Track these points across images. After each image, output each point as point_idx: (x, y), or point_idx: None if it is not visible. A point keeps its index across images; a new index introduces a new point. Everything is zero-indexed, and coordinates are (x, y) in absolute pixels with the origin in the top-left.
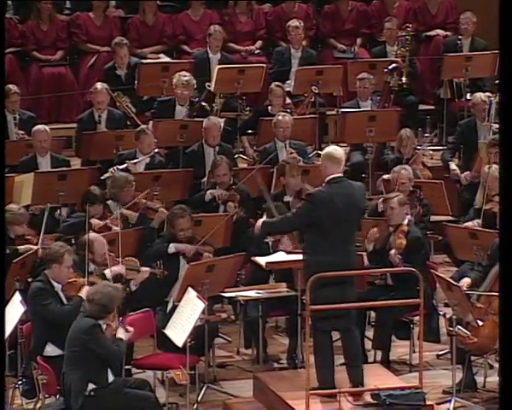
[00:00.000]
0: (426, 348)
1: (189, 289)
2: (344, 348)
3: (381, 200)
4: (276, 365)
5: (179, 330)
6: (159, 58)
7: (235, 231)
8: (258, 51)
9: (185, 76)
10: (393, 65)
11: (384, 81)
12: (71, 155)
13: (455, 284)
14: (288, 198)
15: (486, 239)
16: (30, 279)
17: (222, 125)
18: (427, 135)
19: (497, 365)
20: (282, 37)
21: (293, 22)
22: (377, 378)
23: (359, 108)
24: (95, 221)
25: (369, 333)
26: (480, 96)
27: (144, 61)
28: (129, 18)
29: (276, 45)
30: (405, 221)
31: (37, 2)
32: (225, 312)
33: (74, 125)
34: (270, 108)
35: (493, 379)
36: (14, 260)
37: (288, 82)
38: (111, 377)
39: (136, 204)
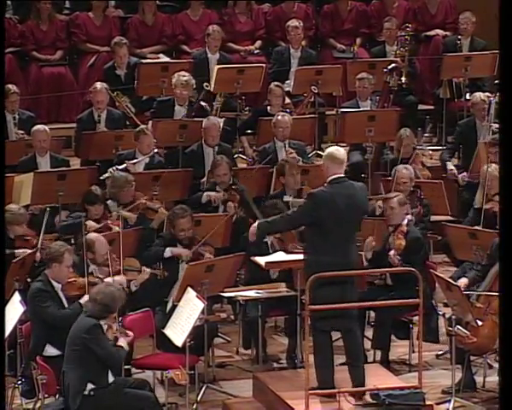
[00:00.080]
0: (425, 348)
1: (189, 289)
2: (346, 349)
3: (378, 203)
4: (275, 365)
5: (179, 330)
6: (158, 58)
7: (235, 231)
8: (257, 51)
9: (184, 76)
10: (393, 65)
11: (383, 81)
12: (70, 155)
13: (454, 283)
14: (287, 198)
15: (486, 239)
16: (29, 280)
17: (221, 125)
18: (426, 135)
19: (496, 365)
20: (281, 37)
21: (293, 22)
22: (377, 378)
23: (359, 107)
24: (90, 223)
25: (369, 333)
26: (479, 95)
27: (144, 60)
28: (128, 18)
29: (276, 45)
30: (405, 221)
31: (37, 2)
32: (225, 312)
33: (74, 125)
34: (269, 107)
35: (493, 379)
36: (14, 260)
37: (288, 82)
38: (111, 378)
39: (135, 204)
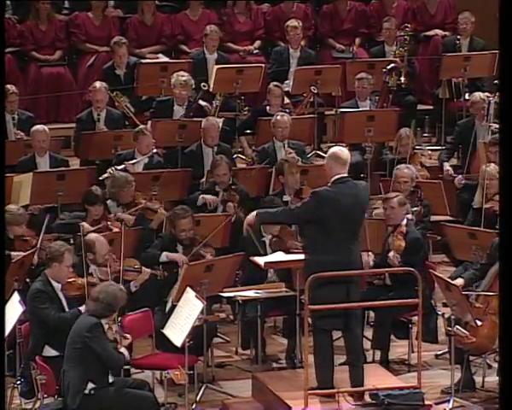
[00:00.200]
0: (424, 348)
1: (188, 289)
2: (346, 348)
3: (376, 210)
4: (274, 365)
5: (178, 330)
6: (157, 58)
7: (234, 231)
8: (256, 51)
9: (183, 76)
10: (392, 65)
11: (383, 81)
12: (70, 155)
13: (453, 283)
14: (287, 198)
15: (485, 239)
16: (28, 280)
17: (220, 125)
18: (425, 135)
19: (495, 364)
20: (280, 37)
21: (292, 22)
22: (376, 378)
23: (358, 107)
24: (85, 225)
25: (368, 333)
26: (478, 94)
27: (143, 60)
28: (127, 18)
29: (275, 45)
30: (404, 222)
31: (36, 2)
32: (224, 312)
33: (73, 125)
34: (268, 108)
35: (492, 379)
36: (13, 260)
37: (287, 82)
38: (111, 378)
39: (136, 208)
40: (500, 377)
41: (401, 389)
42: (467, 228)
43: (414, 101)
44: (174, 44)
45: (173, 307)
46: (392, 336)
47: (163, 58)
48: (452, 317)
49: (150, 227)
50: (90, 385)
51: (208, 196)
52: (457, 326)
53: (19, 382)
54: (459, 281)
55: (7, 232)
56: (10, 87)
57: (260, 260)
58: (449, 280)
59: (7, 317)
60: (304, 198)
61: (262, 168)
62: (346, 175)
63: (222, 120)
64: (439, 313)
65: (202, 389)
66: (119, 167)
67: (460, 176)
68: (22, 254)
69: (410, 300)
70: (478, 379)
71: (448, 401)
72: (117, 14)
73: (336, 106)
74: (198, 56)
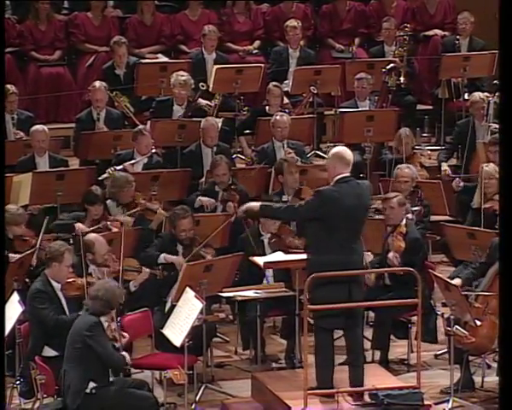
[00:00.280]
0: (424, 348)
1: (187, 289)
2: (347, 347)
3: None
4: (274, 364)
5: (177, 330)
6: (157, 58)
7: (234, 231)
8: (256, 51)
9: (183, 76)
10: (391, 65)
11: (382, 81)
12: (69, 155)
13: (453, 283)
14: (286, 197)
15: (484, 239)
16: (27, 280)
17: (220, 125)
18: (425, 135)
19: (495, 364)
20: (280, 37)
21: (291, 22)
22: (375, 378)
23: (357, 107)
24: (80, 226)
25: (368, 333)
26: (478, 94)
27: (142, 60)
28: (127, 18)
29: (274, 45)
30: (403, 222)
31: (35, 3)
32: (223, 312)
33: (72, 125)
34: (267, 108)
35: (491, 379)
36: (12, 260)
37: (286, 82)
38: (111, 378)
39: (135, 210)
40: (499, 377)
41: (400, 389)
42: (466, 228)
43: (413, 101)
44: (173, 44)
45: (173, 307)
46: (392, 336)
47: (162, 58)
48: (452, 317)
49: (150, 228)
50: (92, 384)
51: (205, 199)
52: (457, 326)
53: (18, 382)
54: (457, 281)
55: (6, 232)
56: (10, 87)
57: (260, 261)
58: (448, 280)
59: (6, 317)
60: (303, 198)
61: (261, 168)
62: (348, 175)
63: (221, 120)
64: (439, 313)
65: (202, 389)
66: (118, 168)
67: (457, 179)
68: (19, 256)
69: (409, 300)
70: (477, 379)
71: (447, 401)
72: (116, 14)
73: (336, 106)
74: (197, 56)
